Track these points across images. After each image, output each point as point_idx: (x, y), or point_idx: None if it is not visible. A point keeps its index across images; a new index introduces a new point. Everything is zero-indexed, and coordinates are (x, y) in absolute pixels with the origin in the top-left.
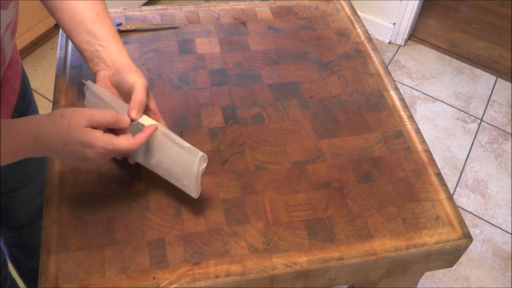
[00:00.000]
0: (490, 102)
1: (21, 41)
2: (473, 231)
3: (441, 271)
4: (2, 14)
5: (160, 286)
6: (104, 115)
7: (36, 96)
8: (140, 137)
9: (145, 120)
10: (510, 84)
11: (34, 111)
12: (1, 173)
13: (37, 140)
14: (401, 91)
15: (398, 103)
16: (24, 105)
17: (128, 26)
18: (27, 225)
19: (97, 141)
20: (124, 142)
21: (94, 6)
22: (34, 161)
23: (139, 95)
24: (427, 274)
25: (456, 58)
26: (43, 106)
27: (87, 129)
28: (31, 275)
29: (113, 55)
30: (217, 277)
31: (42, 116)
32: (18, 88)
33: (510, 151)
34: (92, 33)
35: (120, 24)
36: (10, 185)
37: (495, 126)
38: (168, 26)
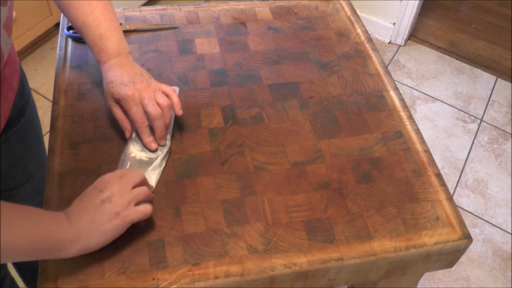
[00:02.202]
0: (490, 102)
1: (21, 41)
2: (473, 231)
3: (441, 271)
4: (2, 10)
5: (160, 286)
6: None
7: (36, 96)
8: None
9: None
10: (510, 84)
11: (33, 109)
12: (0, 171)
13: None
14: (401, 91)
15: (398, 103)
16: (22, 103)
17: (127, 27)
18: None
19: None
20: (136, 174)
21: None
22: (33, 159)
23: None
24: (427, 274)
25: (456, 58)
26: (43, 106)
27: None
28: (31, 274)
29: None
30: (216, 277)
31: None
32: (17, 85)
33: (510, 151)
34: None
35: (119, 25)
36: (9, 183)
37: (495, 126)
38: (167, 26)
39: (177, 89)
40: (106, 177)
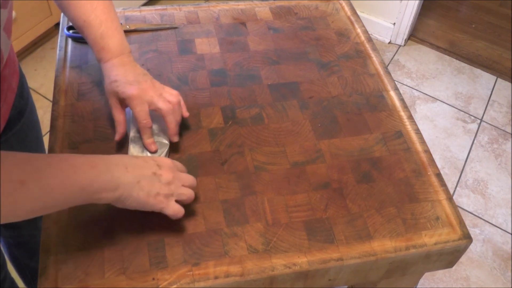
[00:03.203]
0: (490, 102)
1: (21, 41)
2: (473, 231)
3: (441, 271)
4: (2, 12)
5: (160, 286)
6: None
7: (36, 96)
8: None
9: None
10: (510, 84)
11: (32, 110)
12: None
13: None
14: (401, 91)
15: (398, 103)
16: (22, 104)
17: (127, 27)
18: (27, 225)
19: (164, 159)
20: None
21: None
22: None
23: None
24: (427, 274)
25: (456, 58)
26: (43, 106)
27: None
28: (31, 275)
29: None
30: (216, 277)
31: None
32: (16, 86)
33: (510, 151)
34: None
35: (120, 24)
36: None
37: (495, 126)
38: (167, 26)
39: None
40: (167, 161)
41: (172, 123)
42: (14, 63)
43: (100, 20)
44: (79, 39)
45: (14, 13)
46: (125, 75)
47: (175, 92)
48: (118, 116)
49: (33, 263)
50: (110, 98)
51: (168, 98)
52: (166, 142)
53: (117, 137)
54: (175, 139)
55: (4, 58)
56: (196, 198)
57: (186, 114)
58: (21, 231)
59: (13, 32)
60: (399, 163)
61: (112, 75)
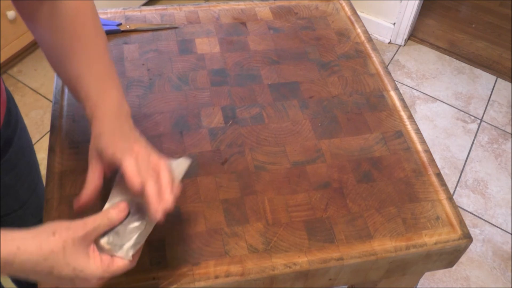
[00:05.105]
0: (490, 102)
1: (21, 41)
2: (473, 231)
3: (441, 271)
4: None
5: (160, 286)
6: (98, 222)
7: (36, 96)
8: (139, 253)
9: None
10: (510, 84)
11: (22, 135)
12: None
13: (11, 266)
14: (401, 91)
15: (398, 103)
16: (9, 133)
17: (128, 26)
18: None
19: (93, 271)
20: (122, 266)
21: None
22: (25, 185)
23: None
24: (427, 274)
25: (456, 58)
26: (43, 106)
27: (82, 253)
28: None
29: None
30: (216, 277)
31: (24, 234)
32: (3, 116)
33: (510, 151)
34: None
35: (120, 24)
36: (1, 210)
37: (495, 126)
38: (168, 26)
39: (187, 160)
40: (95, 265)
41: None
42: (0, 91)
43: (98, 75)
44: None
45: (14, 13)
46: (114, 129)
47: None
48: (92, 174)
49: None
50: (91, 154)
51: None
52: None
53: (78, 202)
54: (158, 216)
55: None
56: (196, 198)
57: (156, 214)
58: None
59: (13, 32)
60: (399, 163)
61: (98, 129)
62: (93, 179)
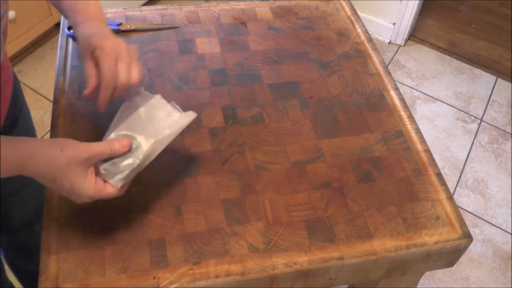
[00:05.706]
0: (490, 102)
1: (21, 41)
2: (473, 231)
3: (441, 271)
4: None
5: (161, 285)
6: (102, 150)
7: (36, 96)
8: (126, 186)
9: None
10: (510, 84)
11: (26, 116)
12: None
13: (23, 168)
14: (401, 91)
15: (398, 103)
16: (16, 112)
17: (128, 26)
18: (23, 229)
19: (86, 190)
20: (111, 192)
21: None
22: None
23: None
24: (427, 274)
25: (456, 58)
26: (43, 106)
27: (82, 173)
28: (29, 277)
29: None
30: (217, 276)
31: (38, 144)
32: (10, 93)
33: (510, 151)
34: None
35: (120, 24)
36: (4, 190)
37: (495, 126)
38: (168, 26)
39: (193, 114)
40: (89, 184)
41: (107, 92)
42: (8, 69)
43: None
44: None
45: (14, 13)
46: (102, 31)
47: (139, 73)
48: (90, 70)
49: (31, 266)
50: (83, 54)
51: (133, 72)
52: (137, 161)
53: (87, 91)
54: (101, 108)
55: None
56: (196, 197)
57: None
58: (17, 235)
59: (13, 32)
60: (399, 163)
61: (87, 32)
62: (93, 73)
